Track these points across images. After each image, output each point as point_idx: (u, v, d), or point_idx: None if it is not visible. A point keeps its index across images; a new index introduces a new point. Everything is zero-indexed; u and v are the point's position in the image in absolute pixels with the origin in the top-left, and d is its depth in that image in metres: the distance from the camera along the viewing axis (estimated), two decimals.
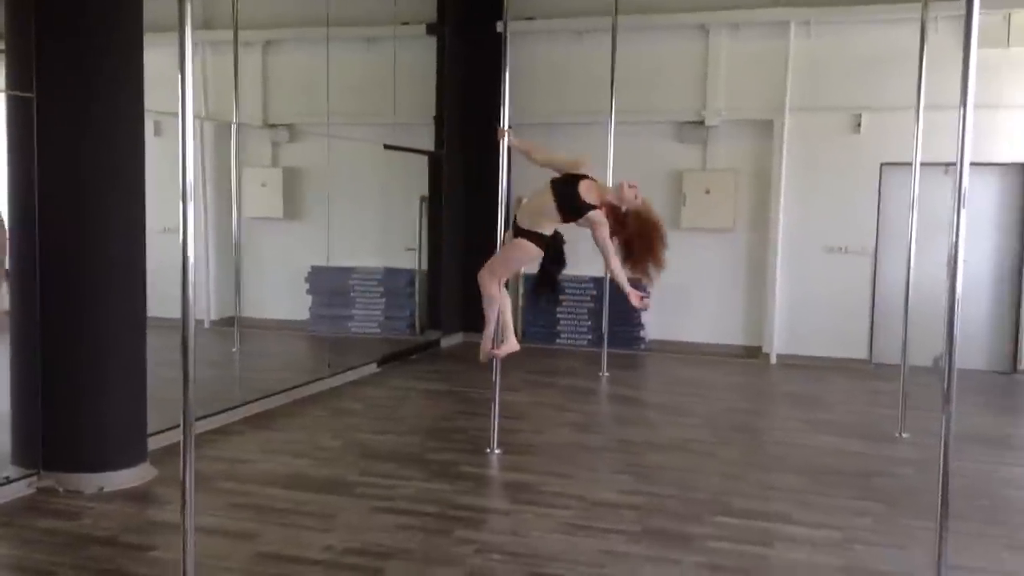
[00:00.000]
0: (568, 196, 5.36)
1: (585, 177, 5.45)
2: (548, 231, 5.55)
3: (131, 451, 5.27)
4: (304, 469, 5.61)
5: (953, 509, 3.96)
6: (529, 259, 5.72)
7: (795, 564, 4.26)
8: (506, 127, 6.11)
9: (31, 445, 5.09)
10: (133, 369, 5.29)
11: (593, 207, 5.33)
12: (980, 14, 3.72)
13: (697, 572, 4.13)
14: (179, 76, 3.15)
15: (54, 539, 4.39)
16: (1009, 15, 8.89)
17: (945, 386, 3.90)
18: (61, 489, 5.02)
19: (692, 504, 5.07)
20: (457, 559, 4.24)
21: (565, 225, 5.54)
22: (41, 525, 4.56)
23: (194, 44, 3.24)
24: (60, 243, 5.03)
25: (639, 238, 5.39)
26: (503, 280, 5.85)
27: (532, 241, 5.54)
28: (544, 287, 5.90)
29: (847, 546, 4.49)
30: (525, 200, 5.78)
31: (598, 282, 9.72)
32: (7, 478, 5.00)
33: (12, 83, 5.07)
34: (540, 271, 5.79)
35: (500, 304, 5.78)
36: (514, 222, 5.64)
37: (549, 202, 5.40)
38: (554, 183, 5.47)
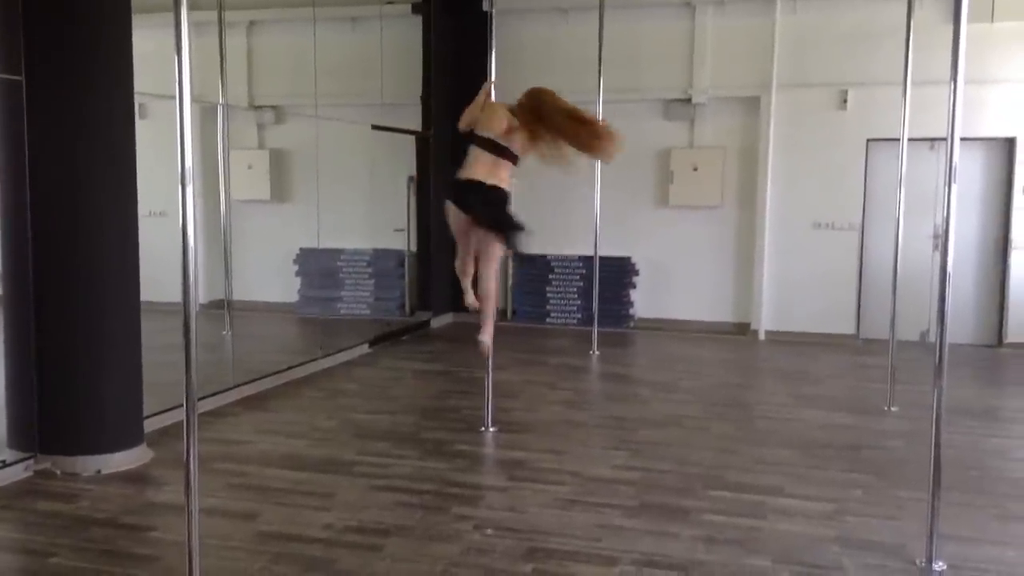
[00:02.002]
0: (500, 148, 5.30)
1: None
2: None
3: (128, 433, 5.28)
4: (301, 449, 5.64)
5: (943, 480, 4.04)
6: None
7: (789, 535, 4.32)
8: (492, 78, 6.10)
9: (27, 428, 5.09)
10: (128, 351, 5.29)
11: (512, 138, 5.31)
12: None
13: (693, 545, 4.19)
14: (175, 58, 3.13)
15: (54, 521, 4.40)
16: None
17: (936, 360, 3.97)
18: (58, 472, 5.03)
19: (686, 478, 5.14)
20: (455, 535, 4.28)
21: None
22: (40, 508, 4.58)
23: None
24: (53, 224, 5.01)
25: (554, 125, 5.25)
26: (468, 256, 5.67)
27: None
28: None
29: (839, 517, 4.56)
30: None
31: (587, 261, 9.76)
32: (3, 461, 5.00)
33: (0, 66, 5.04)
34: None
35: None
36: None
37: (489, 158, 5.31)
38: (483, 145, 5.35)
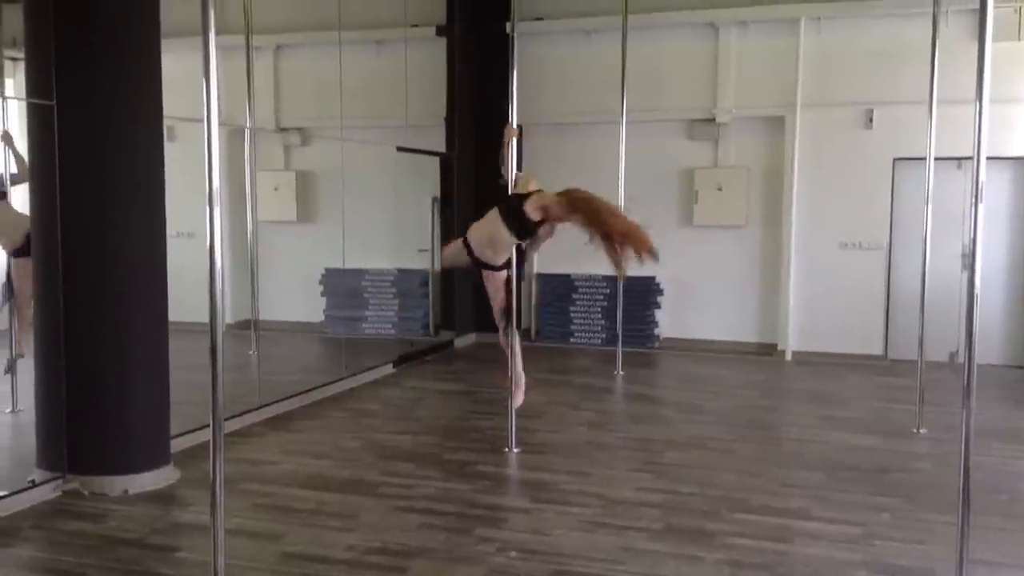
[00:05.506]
0: (517, 220, 5.53)
1: (528, 195, 5.56)
2: (500, 260, 5.77)
3: (155, 453, 5.33)
4: (325, 470, 5.65)
5: (972, 503, 3.97)
6: (499, 284, 5.94)
7: (815, 559, 4.28)
8: (514, 124, 6.15)
9: (56, 448, 5.14)
10: (156, 372, 5.35)
11: (539, 223, 5.55)
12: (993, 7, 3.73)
13: (718, 568, 4.15)
14: (203, 81, 3.19)
15: (81, 541, 4.44)
16: (1020, 8, 8.88)
17: (965, 381, 3.91)
18: (86, 492, 5.08)
19: (711, 501, 5.10)
20: (479, 557, 4.27)
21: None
22: (68, 527, 4.62)
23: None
24: (82, 248, 5.09)
25: (597, 224, 5.28)
26: (500, 315, 6.02)
27: (493, 269, 5.83)
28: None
29: (866, 541, 4.50)
30: (475, 226, 5.83)
31: (611, 281, 9.75)
32: (33, 481, 5.05)
33: (32, 91, 5.14)
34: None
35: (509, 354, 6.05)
36: (465, 241, 5.79)
37: (501, 228, 5.57)
38: (500, 209, 5.61)
